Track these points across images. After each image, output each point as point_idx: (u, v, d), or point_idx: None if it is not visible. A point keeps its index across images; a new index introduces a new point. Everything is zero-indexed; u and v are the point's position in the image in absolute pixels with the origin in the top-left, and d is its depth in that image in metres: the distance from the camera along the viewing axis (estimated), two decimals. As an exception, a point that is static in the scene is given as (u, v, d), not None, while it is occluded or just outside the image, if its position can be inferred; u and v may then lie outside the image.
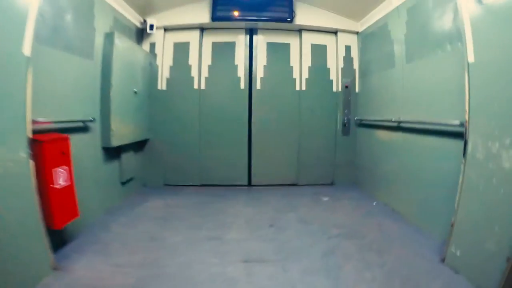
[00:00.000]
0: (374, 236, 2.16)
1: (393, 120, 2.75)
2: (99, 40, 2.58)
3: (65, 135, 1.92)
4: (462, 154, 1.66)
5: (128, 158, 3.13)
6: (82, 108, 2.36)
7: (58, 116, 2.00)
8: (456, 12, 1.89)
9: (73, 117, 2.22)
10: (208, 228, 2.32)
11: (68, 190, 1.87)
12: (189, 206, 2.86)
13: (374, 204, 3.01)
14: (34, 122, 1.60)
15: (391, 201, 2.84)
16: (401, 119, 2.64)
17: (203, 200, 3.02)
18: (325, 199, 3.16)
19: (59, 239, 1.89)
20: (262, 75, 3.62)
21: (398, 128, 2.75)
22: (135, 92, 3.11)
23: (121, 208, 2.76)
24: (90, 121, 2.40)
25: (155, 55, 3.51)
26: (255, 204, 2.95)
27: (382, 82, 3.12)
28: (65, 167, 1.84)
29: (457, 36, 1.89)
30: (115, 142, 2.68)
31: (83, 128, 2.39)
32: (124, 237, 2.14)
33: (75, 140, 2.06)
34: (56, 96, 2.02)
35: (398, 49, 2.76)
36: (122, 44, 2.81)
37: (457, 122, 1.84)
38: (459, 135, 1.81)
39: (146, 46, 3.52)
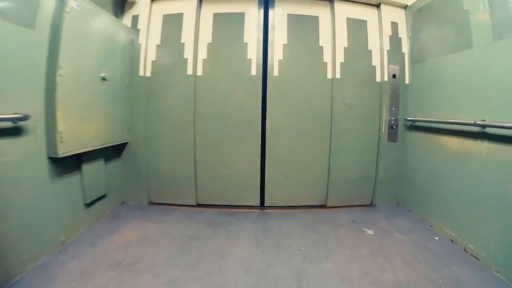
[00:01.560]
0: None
1: (475, 123, 1.86)
2: (48, 3, 1.77)
3: None
4: None
5: (94, 170, 2.30)
6: (14, 100, 1.58)
7: None
8: None
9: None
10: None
11: None
12: (174, 241, 2.02)
13: (436, 239, 2.15)
14: None
15: (462, 237, 2.02)
16: (488, 122, 1.79)
17: (196, 232, 2.16)
18: (370, 232, 2.27)
19: None
20: (280, 58, 2.70)
21: (481, 134, 1.88)
22: (103, 79, 2.27)
23: (81, 240, 1.98)
24: (21, 119, 1.59)
25: (137, 31, 2.66)
26: (270, 240, 2.07)
27: (449, 69, 2.23)
28: None
29: None
30: (64, 149, 1.85)
31: (14, 130, 1.58)
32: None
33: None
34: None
35: (479, 22, 1.90)
36: (82, 10, 1.97)
37: None
38: None
39: (127, 20, 2.68)
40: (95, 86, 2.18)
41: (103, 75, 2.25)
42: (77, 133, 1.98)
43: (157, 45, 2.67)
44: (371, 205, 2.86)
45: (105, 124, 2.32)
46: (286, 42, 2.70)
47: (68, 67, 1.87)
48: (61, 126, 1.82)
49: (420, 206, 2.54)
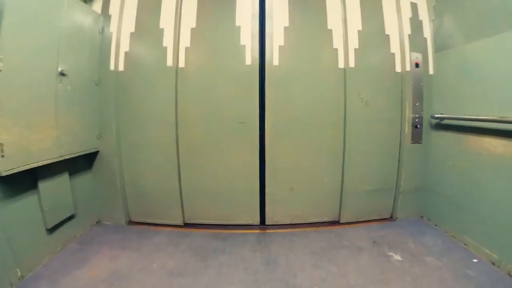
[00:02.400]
0: None
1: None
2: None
3: None
4: None
5: (55, 187, 1.89)
6: None
7: None
8: None
9: None
10: None
11: None
12: (151, 279, 1.59)
13: (475, 262, 1.77)
14: None
15: (505, 259, 1.65)
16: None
17: (180, 265, 1.73)
18: (396, 257, 1.84)
19: None
20: (281, 43, 2.22)
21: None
22: (62, 74, 1.84)
23: (42, 275, 1.61)
24: None
25: (108, 17, 2.23)
26: (275, 277, 1.62)
27: (487, 55, 1.82)
28: None
29: None
30: (8, 165, 1.45)
31: None
32: None
33: None
34: None
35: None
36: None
37: None
38: None
39: (97, 5, 2.24)
40: (50, 84, 1.75)
41: (61, 69, 1.82)
42: (26, 144, 1.57)
43: (131, 33, 2.22)
44: (391, 218, 2.44)
45: (65, 130, 1.89)
46: (287, 25, 2.22)
47: (10, 60, 1.46)
48: (1, 136, 1.41)
49: (450, 220, 2.13)
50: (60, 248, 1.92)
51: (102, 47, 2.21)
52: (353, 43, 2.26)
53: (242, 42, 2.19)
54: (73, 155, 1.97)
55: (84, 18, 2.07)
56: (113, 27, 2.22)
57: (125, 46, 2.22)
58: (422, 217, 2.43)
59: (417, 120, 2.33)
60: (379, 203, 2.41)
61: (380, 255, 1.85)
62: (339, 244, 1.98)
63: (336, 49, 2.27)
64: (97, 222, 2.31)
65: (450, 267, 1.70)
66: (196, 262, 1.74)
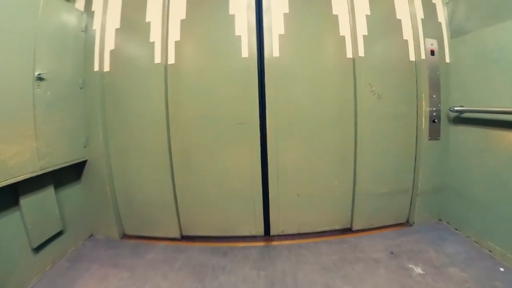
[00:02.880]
0: None
1: None
2: None
3: None
4: None
5: (39, 202, 1.74)
6: None
7: None
8: None
9: None
10: None
11: None
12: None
13: (502, 271, 1.59)
14: None
15: None
16: None
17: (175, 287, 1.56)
18: (418, 270, 1.64)
19: None
20: (281, 32, 2.00)
21: None
22: (39, 79, 1.66)
23: None
24: None
25: (91, 14, 2.04)
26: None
27: (510, 38, 1.59)
28: None
29: None
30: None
31: None
32: None
33: None
34: None
35: None
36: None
37: None
38: None
39: (80, 3, 2.05)
40: (26, 90, 1.58)
41: (38, 73, 1.65)
42: (1, 158, 1.41)
43: (116, 30, 2.03)
44: (407, 223, 2.23)
45: (47, 140, 1.72)
46: (287, 11, 1.99)
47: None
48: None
49: (472, 224, 1.93)
50: (49, 267, 1.78)
51: (86, 47, 2.03)
52: (362, 29, 2.02)
53: (237, 33, 1.97)
54: (57, 167, 1.80)
55: (65, 17, 1.90)
56: (96, 24, 2.03)
57: (110, 44, 2.03)
58: (440, 220, 2.23)
59: (434, 114, 2.10)
60: (394, 207, 2.19)
61: (399, 269, 1.64)
62: (353, 257, 1.78)
63: (343, 36, 2.04)
64: (89, 236, 2.16)
65: (476, 279, 1.51)
66: (193, 283, 1.56)
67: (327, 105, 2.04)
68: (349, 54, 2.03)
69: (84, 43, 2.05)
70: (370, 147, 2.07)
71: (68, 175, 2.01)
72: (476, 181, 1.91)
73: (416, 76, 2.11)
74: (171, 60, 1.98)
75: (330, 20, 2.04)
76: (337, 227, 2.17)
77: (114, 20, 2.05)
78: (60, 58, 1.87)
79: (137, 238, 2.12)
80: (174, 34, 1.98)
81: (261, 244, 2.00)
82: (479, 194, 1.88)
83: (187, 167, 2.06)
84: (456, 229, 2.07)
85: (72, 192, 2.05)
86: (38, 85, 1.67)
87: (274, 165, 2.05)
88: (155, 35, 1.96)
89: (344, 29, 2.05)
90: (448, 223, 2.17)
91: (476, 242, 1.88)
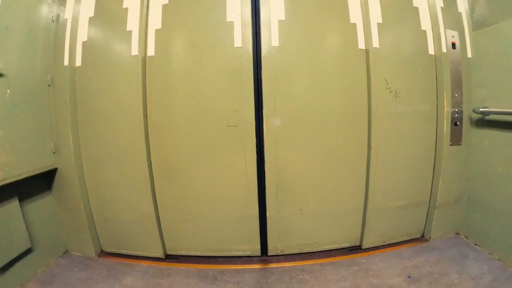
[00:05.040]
0: None
1: None
2: None
3: None
4: None
5: (3, 217, 1.52)
6: None
7: None
8: None
9: None
10: None
11: None
12: None
13: None
14: None
15: None
16: None
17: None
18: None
19: None
20: (281, 17, 1.71)
21: None
22: (-7, 75, 1.44)
23: None
24: None
25: (64, 1, 1.80)
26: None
27: None
28: None
29: None
30: None
31: None
32: None
33: None
34: None
35: None
36: None
37: None
38: None
39: None
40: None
41: (-7, 68, 1.43)
42: None
43: (90, 18, 1.78)
44: (422, 238, 1.98)
45: (7, 147, 1.50)
46: (288, -7, 1.72)
47: None
48: None
49: (496, 240, 1.72)
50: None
51: (56, 39, 1.79)
52: (376, 16, 1.73)
53: (229, 18, 1.69)
54: (20, 177, 1.59)
55: (30, 4, 1.67)
56: (68, 13, 1.79)
57: (82, 35, 1.78)
58: (457, 233, 2.00)
59: (456, 115, 1.82)
60: (408, 221, 1.94)
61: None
62: (366, 284, 1.51)
63: (354, 24, 1.75)
64: (64, 253, 1.94)
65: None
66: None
67: (335, 104, 1.76)
68: (361, 45, 1.74)
69: (55, 35, 1.81)
70: (386, 153, 1.80)
71: (36, 185, 1.80)
72: (504, 193, 1.70)
73: (436, 72, 1.83)
74: (151, 51, 1.72)
75: (338, 5, 1.75)
76: (344, 244, 1.90)
77: (88, 7, 1.80)
78: (23, 52, 1.64)
79: (116, 256, 1.89)
80: (155, 22, 1.72)
81: (257, 266, 1.74)
82: (506, 207, 1.68)
83: (169, 178, 1.81)
84: (475, 244, 1.86)
85: (42, 204, 1.83)
86: (-6, 83, 1.45)
87: (272, 175, 1.77)
88: (132, 23, 1.70)
89: (355, 16, 1.76)
90: (466, 237, 1.95)
91: (499, 259, 1.68)
